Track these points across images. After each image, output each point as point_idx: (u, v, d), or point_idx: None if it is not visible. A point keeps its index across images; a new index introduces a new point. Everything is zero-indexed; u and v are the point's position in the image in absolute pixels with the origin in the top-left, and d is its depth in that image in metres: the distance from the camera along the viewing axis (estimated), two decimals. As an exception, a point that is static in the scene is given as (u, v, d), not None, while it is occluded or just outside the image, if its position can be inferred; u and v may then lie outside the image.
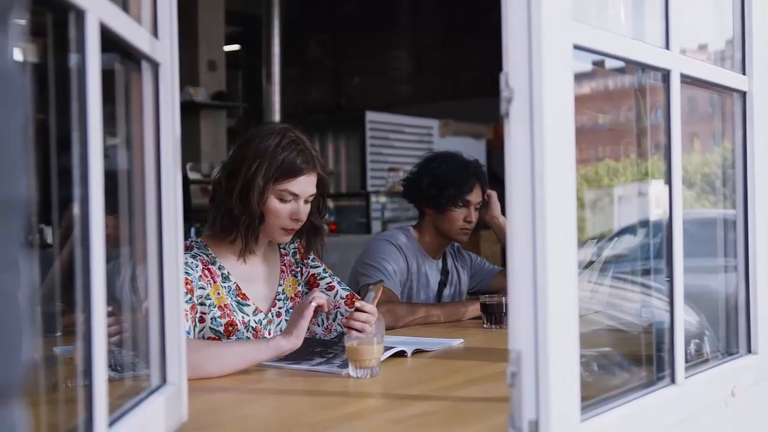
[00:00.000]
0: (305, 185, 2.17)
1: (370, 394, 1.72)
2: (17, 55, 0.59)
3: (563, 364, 1.17)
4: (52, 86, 1.06)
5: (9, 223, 0.55)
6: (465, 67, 9.26)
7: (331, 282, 2.36)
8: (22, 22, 0.61)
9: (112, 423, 1.08)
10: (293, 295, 2.34)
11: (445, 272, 3.11)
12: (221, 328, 2.13)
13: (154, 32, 1.33)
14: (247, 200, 2.13)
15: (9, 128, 0.54)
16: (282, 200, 2.16)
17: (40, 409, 1.15)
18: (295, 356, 2.03)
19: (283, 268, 2.34)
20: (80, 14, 0.98)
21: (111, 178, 1.10)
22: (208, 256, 2.19)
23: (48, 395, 1.21)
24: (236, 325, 2.16)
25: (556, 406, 1.15)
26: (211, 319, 2.12)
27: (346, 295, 2.32)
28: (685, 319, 1.54)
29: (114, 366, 1.30)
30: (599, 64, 1.49)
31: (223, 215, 2.17)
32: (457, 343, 2.31)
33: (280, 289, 2.31)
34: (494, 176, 5.93)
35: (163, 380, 1.35)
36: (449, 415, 1.53)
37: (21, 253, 0.57)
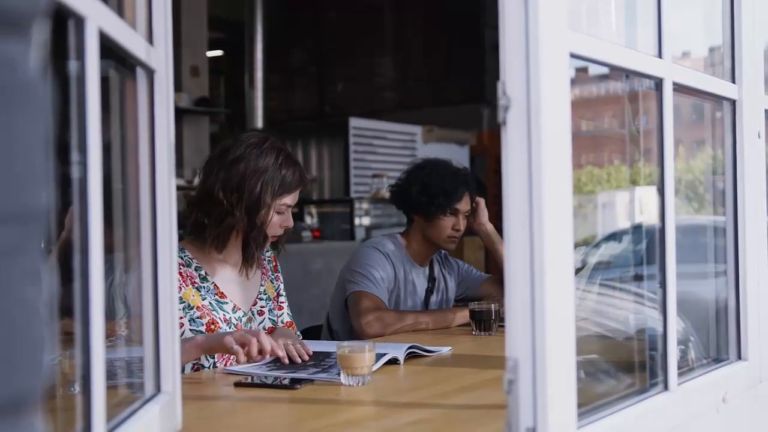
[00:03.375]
0: (297, 196, 2.31)
1: (363, 402, 1.72)
2: (39, 64, 0.58)
3: (561, 372, 1.17)
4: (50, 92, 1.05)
5: (31, 233, 0.55)
6: (449, 74, 9.29)
7: (284, 302, 2.48)
8: (44, 30, 0.60)
9: (108, 432, 1.07)
10: (274, 297, 2.42)
11: (432, 279, 3.11)
12: (203, 328, 2.18)
13: (150, 39, 1.32)
14: (255, 218, 2.21)
15: (32, 138, 0.54)
16: (279, 213, 2.26)
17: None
18: (290, 366, 2.02)
19: (264, 270, 2.42)
20: (80, 21, 0.97)
21: (104, 185, 1.09)
22: (183, 258, 2.22)
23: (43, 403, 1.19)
24: (217, 323, 2.20)
25: (554, 414, 1.15)
26: (190, 320, 2.16)
27: (287, 321, 2.41)
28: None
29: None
30: (583, 71, 1.50)
31: (226, 231, 2.22)
32: (446, 350, 2.31)
33: (261, 289, 2.38)
34: (478, 183, 5.93)
35: (158, 389, 1.34)
36: (444, 422, 1.53)
37: (42, 264, 0.57)
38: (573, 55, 1.24)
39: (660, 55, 1.51)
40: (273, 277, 2.44)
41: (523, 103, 1.16)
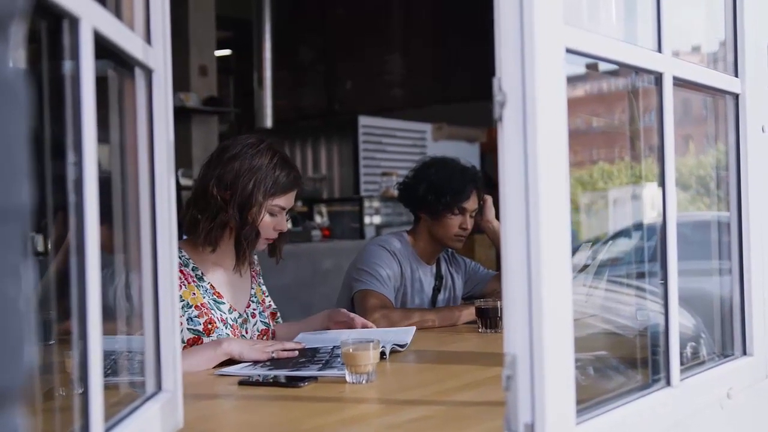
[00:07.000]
0: (292, 199, 2.32)
1: (367, 400, 1.72)
2: (18, 62, 0.59)
3: (559, 367, 1.17)
4: (45, 93, 1.06)
5: (11, 230, 0.56)
6: (458, 71, 9.27)
7: (270, 305, 2.49)
8: (23, 29, 0.61)
9: (107, 430, 1.08)
10: (261, 300, 2.45)
11: (439, 277, 3.10)
12: (200, 327, 2.20)
13: (147, 39, 1.33)
14: (247, 215, 2.23)
15: (11, 136, 0.55)
16: (271, 214, 2.28)
17: (35, 418, 1.15)
18: (283, 365, 2.01)
19: (253, 274, 2.46)
20: (74, 22, 0.97)
21: (104, 186, 1.09)
22: (180, 259, 2.24)
23: (43, 403, 1.20)
24: (215, 322, 2.23)
25: (552, 409, 1.15)
26: (188, 319, 2.18)
27: (262, 330, 2.40)
28: (681, 322, 1.54)
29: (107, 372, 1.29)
30: (592, 67, 1.50)
31: (219, 227, 2.24)
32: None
33: (252, 292, 2.42)
34: (488, 180, 5.92)
35: (159, 387, 1.35)
36: (446, 419, 1.53)
37: (22, 260, 0.58)
38: (569, 51, 1.23)
39: (659, 50, 1.50)
40: (260, 281, 2.49)
41: (518, 99, 1.16)
